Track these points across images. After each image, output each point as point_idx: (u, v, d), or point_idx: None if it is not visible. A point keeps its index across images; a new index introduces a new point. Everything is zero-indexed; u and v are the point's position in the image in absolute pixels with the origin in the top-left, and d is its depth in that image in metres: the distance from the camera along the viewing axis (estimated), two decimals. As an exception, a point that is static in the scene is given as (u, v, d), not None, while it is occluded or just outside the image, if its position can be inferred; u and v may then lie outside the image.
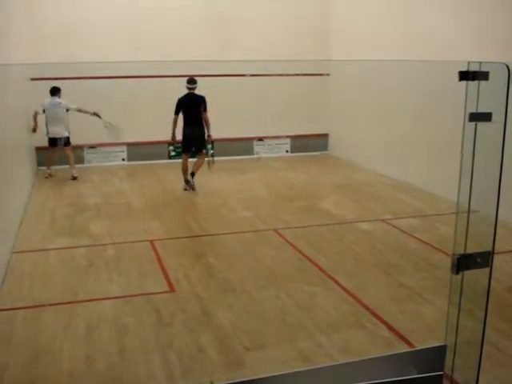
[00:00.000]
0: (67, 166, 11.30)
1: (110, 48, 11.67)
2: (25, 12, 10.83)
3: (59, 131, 10.89)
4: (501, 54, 7.39)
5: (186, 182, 10.09)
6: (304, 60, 12.98)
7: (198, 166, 10.18)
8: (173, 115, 10.00)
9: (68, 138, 11.06)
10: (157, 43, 11.92)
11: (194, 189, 9.98)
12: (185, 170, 10.14)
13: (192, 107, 9.96)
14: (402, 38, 10.33)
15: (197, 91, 10.05)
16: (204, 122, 10.00)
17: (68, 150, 11.13)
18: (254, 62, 12.57)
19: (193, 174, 10.08)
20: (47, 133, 10.94)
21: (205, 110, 9.94)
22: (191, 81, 10.06)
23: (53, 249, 7.15)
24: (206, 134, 10.11)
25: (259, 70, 12.71)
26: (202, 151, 10.21)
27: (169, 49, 11.92)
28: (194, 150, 10.26)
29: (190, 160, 10.22)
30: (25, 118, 10.43)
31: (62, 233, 7.79)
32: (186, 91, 10.07)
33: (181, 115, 10.03)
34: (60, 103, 10.81)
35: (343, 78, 12.84)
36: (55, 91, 10.85)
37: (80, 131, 11.65)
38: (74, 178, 10.97)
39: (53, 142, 10.99)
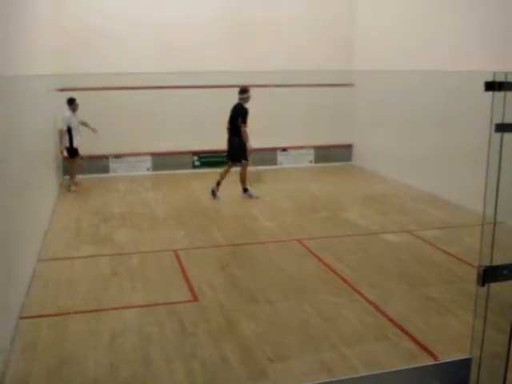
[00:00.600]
0: (91, 175, 11.56)
1: (134, 59, 11.81)
2: (51, 22, 10.99)
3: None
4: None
5: (215, 187, 10.20)
6: (328, 70, 12.98)
7: (240, 178, 10.28)
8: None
9: (67, 149, 10.93)
10: (180, 54, 12.01)
11: (250, 196, 10.22)
12: (221, 176, 10.23)
13: (232, 117, 10.10)
14: (427, 47, 10.28)
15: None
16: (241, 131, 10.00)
17: (70, 161, 11.12)
18: (277, 72, 12.60)
19: (245, 190, 10.25)
20: None
21: (243, 121, 9.90)
22: (239, 91, 10.17)
23: (78, 257, 7.22)
24: (242, 145, 10.02)
25: (283, 80, 12.73)
26: (240, 162, 10.16)
27: (192, 60, 12.01)
28: (234, 160, 10.23)
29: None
30: (52, 127, 10.57)
31: (87, 241, 7.85)
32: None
33: None
34: (63, 114, 10.85)
35: (367, 88, 12.81)
36: (67, 103, 10.89)
37: (105, 141, 11.78)
38: (69, 189, 10.90)
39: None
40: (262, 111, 12.59)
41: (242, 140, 10.00)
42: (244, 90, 10.14)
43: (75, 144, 10.92)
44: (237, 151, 10.09)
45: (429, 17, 10.29)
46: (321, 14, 12.86)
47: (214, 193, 10.15)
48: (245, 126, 9.93)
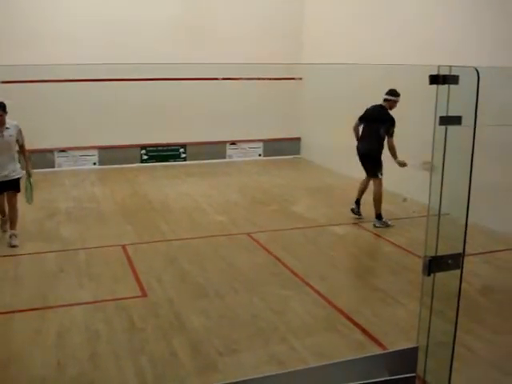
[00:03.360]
0: (36, 170, 11.03)
1: (82, 51, 11.52)
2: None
3: None
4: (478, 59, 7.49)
5: (356, 202, 8.71)
6: (276, 63, 12.98)
7: (374, 199, 8.28)
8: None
9: None
10: (128, 45, 11.77)
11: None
12: (360, 190, 8.66)
13: (371, 120, 8.45)
14: (374, 40, 10.40)
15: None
16: (387, 144, 8.14)
17: None
18: (226, 65, 12.53)
19: (378, 216, 8.24)
20: None
21: (387, 132, 8.08)
22: (388, 91, 8.37)
23: (23, 254, 7.04)
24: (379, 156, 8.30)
25: (232, 73, 12.68)
26: (375, 176, 8.31)
27: (141, 52, 11.81)
28: (366, 171, 8.51)
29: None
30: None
31: (32, 237, 7.67)
32: None
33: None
34: None
35: (316, 81, 12.86)
36: None
37: (50, 134, 11.49)
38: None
39: None
40: (210, 104, 12.59)
41: (377, 148, 8.28)
42: (394, 92, 8.32)
43: None
44: (371, 162, 8.38)
45: (378, 10, 10.41)
46: (269, 7, 12.86)
47: (356, 212, 8.59)
48: (392, 140, 8.11)
